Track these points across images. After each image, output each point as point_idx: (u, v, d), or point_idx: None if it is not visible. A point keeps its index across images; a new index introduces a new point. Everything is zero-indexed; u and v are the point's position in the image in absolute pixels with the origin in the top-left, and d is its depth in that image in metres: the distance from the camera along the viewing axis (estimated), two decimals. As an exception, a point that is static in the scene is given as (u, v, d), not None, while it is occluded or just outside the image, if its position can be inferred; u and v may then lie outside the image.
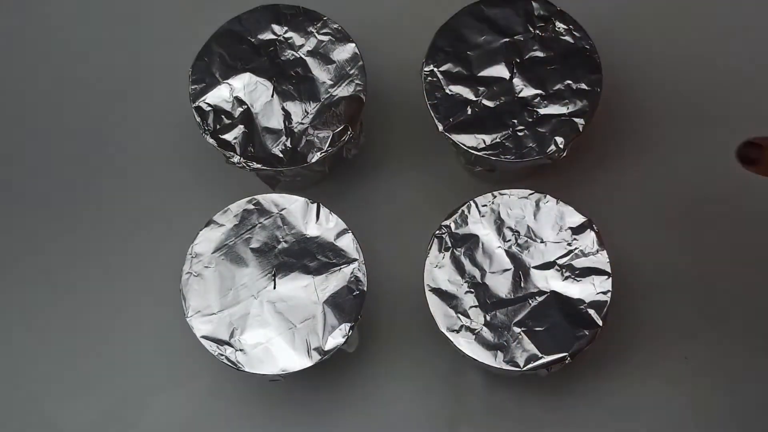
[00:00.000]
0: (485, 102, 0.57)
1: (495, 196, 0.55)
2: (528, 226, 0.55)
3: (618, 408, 0.58)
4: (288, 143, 0.57)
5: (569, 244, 0.54)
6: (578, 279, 0.53)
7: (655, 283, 0.60)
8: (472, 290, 0.53)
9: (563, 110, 0.57)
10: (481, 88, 0.57)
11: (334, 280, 0.54)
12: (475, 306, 0.53)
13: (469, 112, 0.57)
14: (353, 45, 0.58)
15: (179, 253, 0.55)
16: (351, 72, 0.58)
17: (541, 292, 0.53)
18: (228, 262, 0.54)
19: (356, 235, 0.55)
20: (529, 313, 0.53)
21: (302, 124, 0.57)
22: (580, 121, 0.56)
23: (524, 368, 0.52)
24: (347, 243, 0.55)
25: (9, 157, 0.65)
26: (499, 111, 0.57)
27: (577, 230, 0.54)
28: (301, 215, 0.55)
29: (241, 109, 0.57)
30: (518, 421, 0.58)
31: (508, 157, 0.56)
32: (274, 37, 0.59)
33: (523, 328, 0.52)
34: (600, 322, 0.52)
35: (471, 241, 0.54)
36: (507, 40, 0.58)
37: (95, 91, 0.66)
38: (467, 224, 0.55)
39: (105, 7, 0.68)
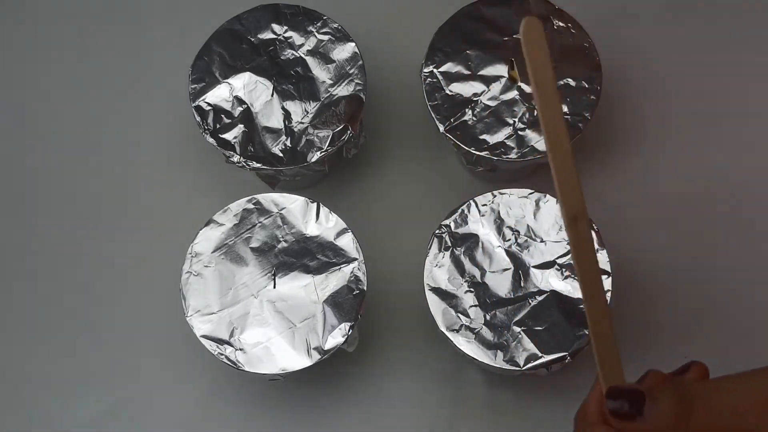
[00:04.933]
0: (485, 101, 0.57)
1: (495, 196, 0.55)
2: (528, 226, 0.55)
3: (618, 407, 0.58)
4: (288, 143, 0.57)
5: (569, 244, 0.54)
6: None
7: (655, 283, 0.60)
8: (472, 289, 0.53)
9: (564, 109, 0.57)
10: (481, 88, 0.57)
11: (334, 280, 0.54)
12: (475, 305, 0.53)
13: (470, 112, 0.57)
14: (353, 44, 0.58)
15: (179, 253, 0.55)
16: (351, 71, 0.58)
17: (540, 292, 0.53)
18: (228, 262, 0.54)
19: (356, 234, 0.55)
20: (529, 313, 0.53)
21: (302, 123, 0.57)
22: (580, 119, 0.56)
23: (524, 367, 0.52)
24: (347, 242, 0.55)
25: (10, 157, 0.65)
26: (500, 110, 0.57)
27: (577, 229, 0.54)
28: (300, 215, 0.55)
29: (240, 109, 0.57)
30: (518, 421, 0.58)
31: (510, 156, 0.56)
32: (274, 36, 0.59)
33: (522, 328, 0.52)
34: (600, 322, 0.52)
35: (471, 241, 0.54)
36: (506, 39, 0.58)
37: (95, 91, 0.66)
38: (467, 224, 0.55)
39: (105, 6, 0.68)
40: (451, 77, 0.58)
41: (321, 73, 0.58)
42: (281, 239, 0.55)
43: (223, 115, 0.57)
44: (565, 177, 0.38)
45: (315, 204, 0.55)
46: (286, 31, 0.59)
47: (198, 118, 0.57)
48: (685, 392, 0.39)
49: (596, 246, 0.54)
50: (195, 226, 0.55)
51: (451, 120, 0.57)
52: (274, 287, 0.54)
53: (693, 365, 0.41)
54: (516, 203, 0.55)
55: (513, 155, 0.56)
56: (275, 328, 0.53)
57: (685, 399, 0.39)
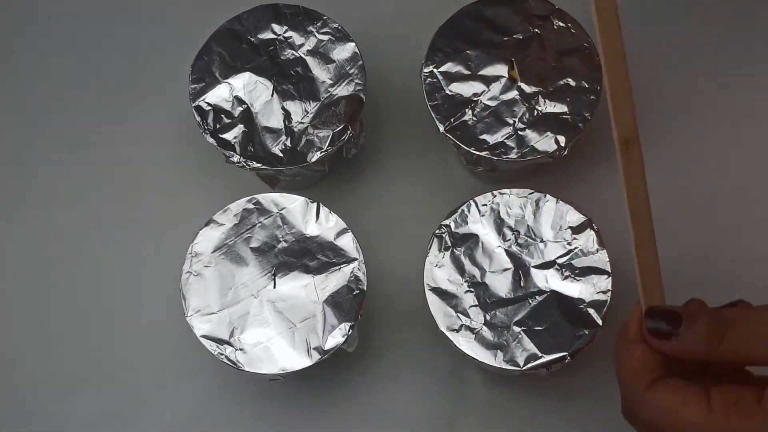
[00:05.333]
0: (485, 101, 0.57)
1: (495, 196, 0.55)
2: (528, 226, 0.55)
3: (618, 408, 0.58)
4: (288, 143, 0.57)
5: (569, 244, 0.54)
6: (578, 278, 0.53)
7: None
8: (472, 290, 0.53)
9: (564, 109, 0.57)
10: (481, 88, 0.57)
11: (334, 280, 0.54)
12: (475, 305, 0.53)
13: (470, 112, 0.57)
14: (353, 44, 0.58)
15: (179, 253, 0.55)
16: (351, 71, 0.58)
17: (540, 292, 0.53)
18: (228, 262, 0.54)
19: (356, 234, 0.55)
20: (529, 313, 0.53)
21: (302, 123, 0.57)
22: (580, 119, 0.56)
23: (524, 368, 0.52)
24: (347, 242, 0.55)
25: (9, 156, 0.65)
26: (500, 110, 0.57)
27: (577, 229, 0.54)
28: (300, 214, 0.55)
29: (240, 109, 0.57)
30: (518, 421, 0.58)
31: (510, 156, 0.56)
32: (274, 36, 0.59)
33: (523, 328, 0.52)
34: (600, 322, 0.52)
35: (471, 241, 0.54)
36: (506, 39, 0.58)
37: (95, 90, 0.66)
38: (467, 223, 0.55)
39: (105, 6, 0.68)
40: (451, 77, 0.58)
41: (321, 73, 0.58)
42: (281, 239, 0.55)
43: (223, 115, 0.57)
44: (619, 100, 0.40)
45: (315, 204, 0.55)
46: (286, 31, 0.59)
47: (198, 118, 0.57)
48: (720, 317, 0.41)
49: (596, 246, 0.54)
50: (195, 226, 0.55)
51: (451, 120, 0.57)
52: (274, 287, 0.54)
53: (740, 302, 0.43)
54: (516, 203, 0.55)
55: (513, 155, 0.56)
56: (275, 328, 0.53)
57: (720, 324, 0.40)
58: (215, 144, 0.57)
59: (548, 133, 0.56)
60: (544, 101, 0.57)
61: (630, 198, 0.42)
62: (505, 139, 0.56)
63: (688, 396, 0.40)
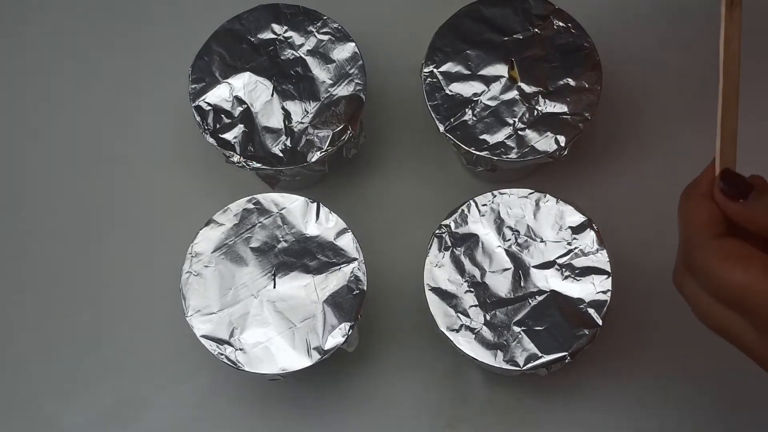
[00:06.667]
0: (485, 101, 0.57)
1: (495, 196, 0.55)
2: (528, 226, 0.55)
3: (618, 407, 0.58)
4: (288, 142, 0.57)
5: (569, 244, 0.54)
6: (578, 278, 0.53)
7: (655, 283, 0.60)
8: (472, 289, 0.53)
9: (564, 109, 0.57)
10: (481, 88, 0.57)
11: (334, 280, 0.54)
12: (475, 305, 0.53)
13: (470, 112, 0.57)
14: (353, 44, 0.58)
15: (179, 253, 0.55)
16: (351, 71, 0.58)
17: (540, 292, 0.53)
18: (228, 262, 0.54)
19: (356, 234, 0.55)
20: (529, 313, 0.53)
21: (302, 123, 0.57)
22: (580, 119, 0.56)
23: (524, 368, 0.52)
24: (347, 242, 0.55)
25: (9, 157, 0.65)
26: (500, 110, 0.57)
27: (577, 230, 0.54)
28: (300, 214, 0.55)
29: (240, 109, 0.57)
30: (518, 421, 0.58)
31: (510, 156, 0.56)
32: (274, 36, 0.59)
33: (522, 328, 0.52)
34: (600, 322, 0.52)
35: (471, 241, 0.54)
36: (506, 39, 0.58)
37: (95, 91, 0.66)
38: (467, 223, 0.55)
39: (105, 6, 0.68)
40: (451, 77, 0.58)
41: (321, 73, 0.58)
42: (281, 239, 0.55)
43: (223, 115, 0.57)
44: None
45: (315, 204, 0.55)
46: (286, 31, 0.59)
47: (198, 118, 0.57)
48: None
49: (596, 246, 0.54)
50: (195, 226, 0.55)
51: (451, 120, 0.57)
52: (274, 287, 0.54)
53: None
54: (516, 203, 0.55)
55: (513, 155, 0.56)
56: (275, 328, 0.53)
57: None
58: (215, 144, 0.57)
59: (548, 133, 0.56)
60: (544, 101, 0.57)
61: (726, 58, 0.44)
62: (505, 139, 0.56)
63: (754, 253, 0.41)
